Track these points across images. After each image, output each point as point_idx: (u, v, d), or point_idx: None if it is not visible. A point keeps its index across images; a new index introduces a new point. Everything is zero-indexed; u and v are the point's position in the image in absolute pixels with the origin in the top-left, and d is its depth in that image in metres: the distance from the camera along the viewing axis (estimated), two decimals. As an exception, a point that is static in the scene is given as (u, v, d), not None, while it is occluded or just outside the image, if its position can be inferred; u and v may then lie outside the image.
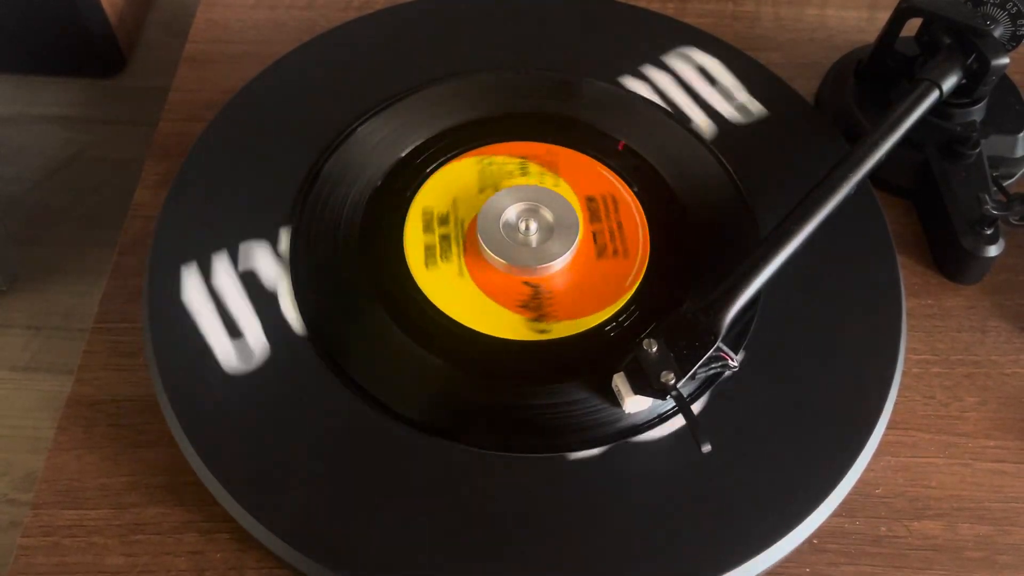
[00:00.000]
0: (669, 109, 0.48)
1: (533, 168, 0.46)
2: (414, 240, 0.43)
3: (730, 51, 0.51)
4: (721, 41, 0.52)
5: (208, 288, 0.41)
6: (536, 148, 0.47)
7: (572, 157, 0.46)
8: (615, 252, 0.43)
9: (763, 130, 0.48)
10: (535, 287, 0.42)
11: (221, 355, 0.39)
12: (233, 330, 0.40)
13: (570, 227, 0.43)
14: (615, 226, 0.43)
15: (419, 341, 0.40)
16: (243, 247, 0.43)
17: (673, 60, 0.50)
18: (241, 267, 0.42)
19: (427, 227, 0.43)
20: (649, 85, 0.49)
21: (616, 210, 0.44)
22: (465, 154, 0.46)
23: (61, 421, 0.40)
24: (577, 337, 0.41)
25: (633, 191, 0.45)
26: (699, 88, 0.49)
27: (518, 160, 0.46)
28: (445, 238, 0.43)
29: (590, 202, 0.44)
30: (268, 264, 0.42)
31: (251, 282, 0.42)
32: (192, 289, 0.41)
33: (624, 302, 0.42)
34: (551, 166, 0.46)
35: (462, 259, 0.42)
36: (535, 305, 0.41)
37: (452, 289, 0.42)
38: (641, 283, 0.42)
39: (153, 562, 0.37)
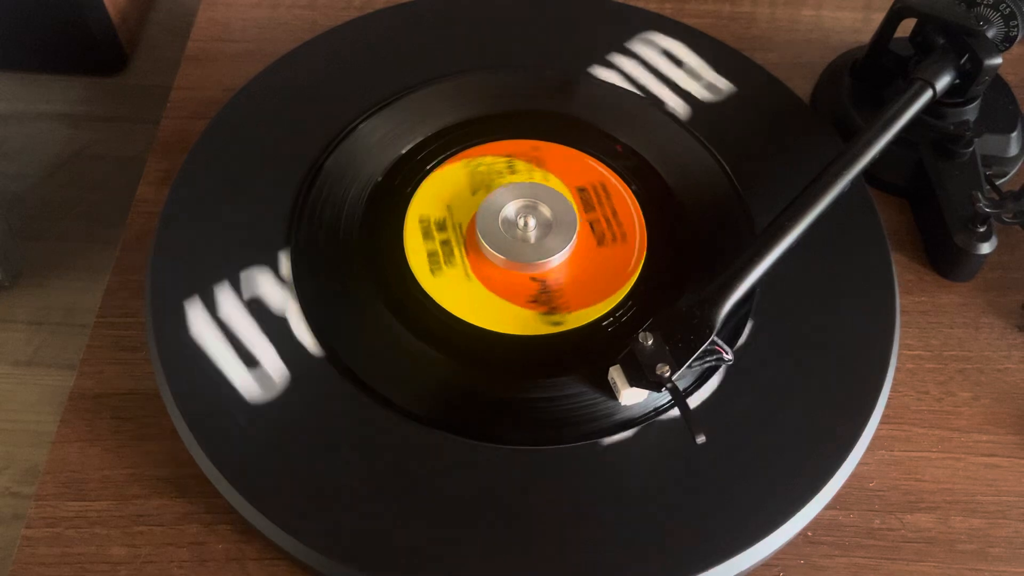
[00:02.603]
0: (641, 94, 0.49)
1: (520, 165, 0.46)
2: (415, 248, 0.43)
3: (691, 32, 0.52)
4: (680, 24, 0.52)
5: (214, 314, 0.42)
6: (521, 145, 0.47)
7: (558, 151, 0.47)
8: (614, 238, 0.43)
9: (760, 128, 0.49)
10: (542, 282, 0.42)
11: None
12: (242, 353, 0.41)
13: (568, 222, 0.43)
14: (610, 213, 0.44)
15: (422, 338, 0.41)
16: (244, 242, 0.43)
17: (637, 46, 0.52)
18: (242, 262, 0.43)
19: (426, 235, 0.43)
20: (618, 72, 0.50)
21: (608, 198, 0.44)
22: (451, 159, 0.47)
23: (64, 414, 0.41)
24: (580, 330, 0.41)
25: (631, 189, 0.46)
26: (666, 71, 0.50)
27: (505, 159, 0.46)
28: (446, 243, 0.43)
29: (581, 192, 0.45)
30: (269, 259, 0.43)
31: (253, 274, 0.42)
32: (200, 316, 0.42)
33: (622, 296, 0.42)
34: (537, 162, 0.46)
35: (466, 261, 0.43)
36: (545, 299, 0.42)
37: (460, 292, 0.42)
38: (638, 278, 0.43)
39: (155, 553, 0.37)
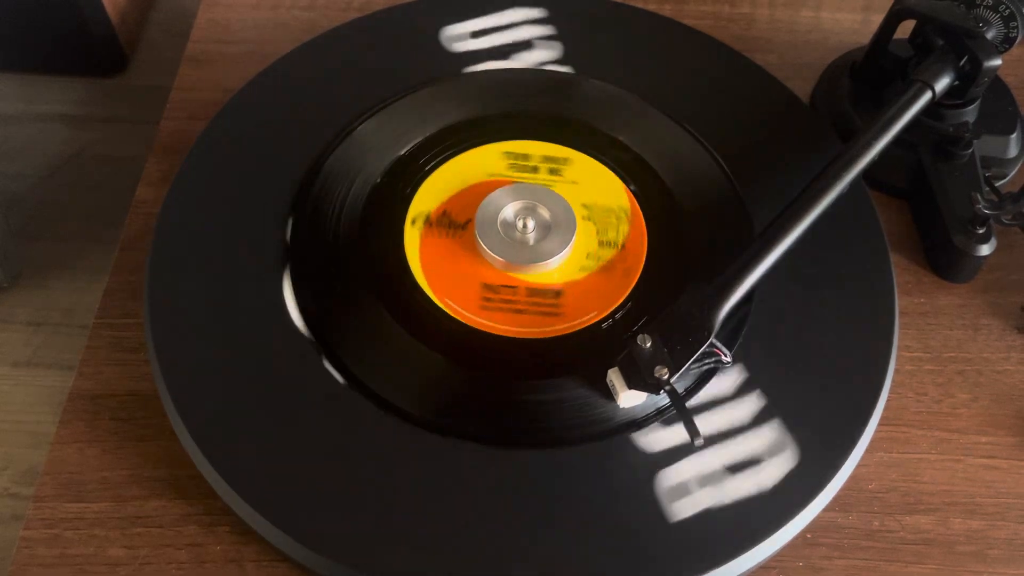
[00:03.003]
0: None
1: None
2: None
3: None
4: None
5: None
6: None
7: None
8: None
9: (759, 129, 0.49)
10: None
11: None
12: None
13: (567, 225, 0.43)
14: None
15: (417, 336, 0.41)
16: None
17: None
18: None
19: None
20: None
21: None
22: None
23: (63, 415, 0.41)
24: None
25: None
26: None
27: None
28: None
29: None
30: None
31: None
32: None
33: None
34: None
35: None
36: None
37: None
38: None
39: (154, 554, 0.37)
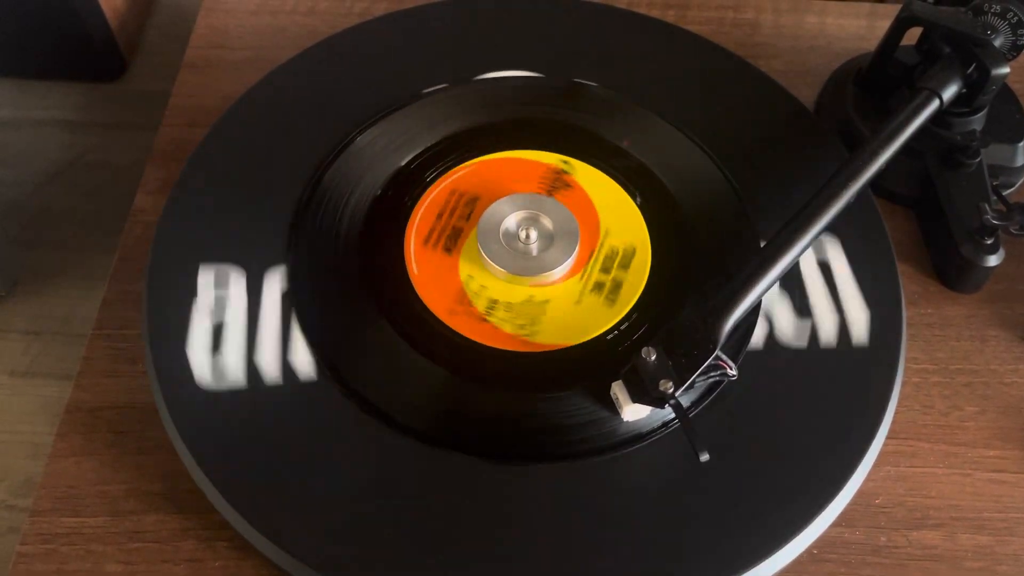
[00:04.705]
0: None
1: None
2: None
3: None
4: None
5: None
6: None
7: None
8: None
9: (764, 136, 0.48)
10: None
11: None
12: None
13: (570, 235, 0.43)
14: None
15: (419, 349, 0.40)
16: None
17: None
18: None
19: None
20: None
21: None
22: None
23: (60, 427, 0.40)
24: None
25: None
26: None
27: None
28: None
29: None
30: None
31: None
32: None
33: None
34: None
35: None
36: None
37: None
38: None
39: (151, 570, 0.37)
